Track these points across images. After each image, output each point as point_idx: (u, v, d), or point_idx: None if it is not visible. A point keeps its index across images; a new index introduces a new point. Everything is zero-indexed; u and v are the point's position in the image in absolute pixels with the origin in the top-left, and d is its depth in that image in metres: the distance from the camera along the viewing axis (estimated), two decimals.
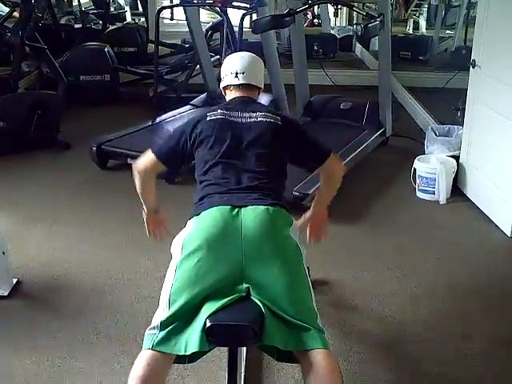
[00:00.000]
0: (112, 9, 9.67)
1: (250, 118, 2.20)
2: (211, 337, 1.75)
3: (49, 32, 7.05)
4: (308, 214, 2.40)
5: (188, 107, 5.65)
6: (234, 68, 2.34)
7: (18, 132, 4.87)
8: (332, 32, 9.25)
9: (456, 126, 4.56)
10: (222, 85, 2.40)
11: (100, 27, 8.39)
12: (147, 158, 2.24)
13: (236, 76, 2.32)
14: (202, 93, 5.85)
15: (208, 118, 2.20)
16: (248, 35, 5.39)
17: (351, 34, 9.25)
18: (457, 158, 4.15)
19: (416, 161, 4.16)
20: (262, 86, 2.41)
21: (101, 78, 6.41)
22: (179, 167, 2.50)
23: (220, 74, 2.43)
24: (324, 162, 2.21)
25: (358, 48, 8.90)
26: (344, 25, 10.06)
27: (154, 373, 1.74)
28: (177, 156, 2.23)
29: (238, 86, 2.33)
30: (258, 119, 2.20)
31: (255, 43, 5.47)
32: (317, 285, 2.60)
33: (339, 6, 9.07)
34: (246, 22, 5.36)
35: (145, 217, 2.46)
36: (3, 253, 2.88)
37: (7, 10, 7.75)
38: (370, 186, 4.29)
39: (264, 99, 4.90)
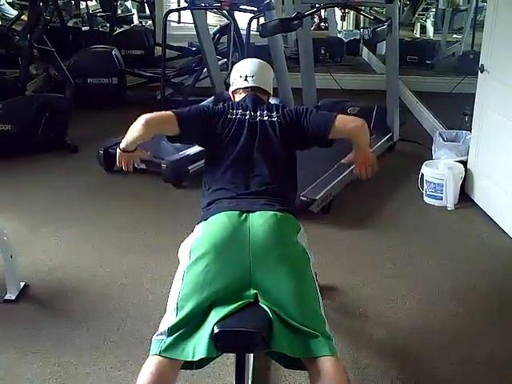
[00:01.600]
0: (119, 11, 9.68)
1: (260, 118, 2.21)
2: (219, 343, 1.75)
3: (57, 35, 7.06)
4: (350, 155, 2.38)
5: None
6: (243, 72, 2.35)
7: (26, 135, 4.88)
8: (339, 36, 9.24)
9: (464, 131, 4.54)
10: (230, 90, 2.41)
11: (107, 30, 8.41)
12: (163, 113, 2.20)
13: (245, 79, 2.33)
14: (209, 96, 5.85)
15: (229, 116, 2.22)
16: (255, 39, 5.39)
17: (358, 37, 9.24)
18: (465, 163, 4.12)
19: (423, 166, 4.14)
20: (271, 93, 2.41)
21: (108, 81, 6.42)
22: (189, 137, 2.31)
23: (227, 77, 2.44)
24: (332, 126, 2.18)
25: (365, 52, 8.88)
26: (351, 28, 10.04)
27: (161, 378, 1.73)
28: (195, 123, 2.20)
29: (247, 89, 2.34)
30: (264, 118, 2.22)
31: (262, 47, 5.47)
32: (324, 291, 2.59)
33: (346, 10, 9.05)
34: (254, 26, 5.36)
35: (118, 151, 2.27)
36: (11, 256, 2.88)
37: (16, 13, 7.80)
38: (377, 191, 4.27)
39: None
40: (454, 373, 2.43)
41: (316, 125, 2.22)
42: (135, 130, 2.16)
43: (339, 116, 2.22)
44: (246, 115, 2.22)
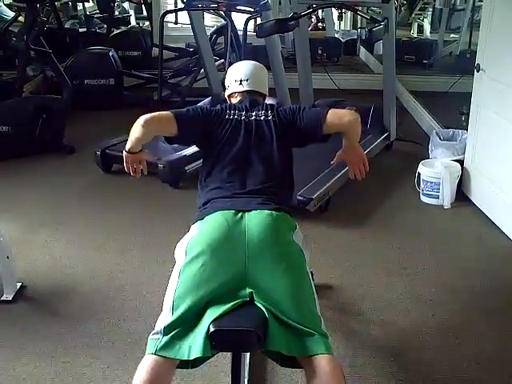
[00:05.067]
0: (116, 13, 9.67)
1: (256, 117, 2.23)
2: (215, 342, 1.75)
3: (54, 36, 7.06)
4: (340, 152, 2.35)
5: None
6: (238, 76, 2.36)
7: (23, 136, 4.87)
8: (336, 36, 9.25)
9: (460, 131, 4.55)
10: (226, 93, 2.42)
11: (105, 31, 8.41)
12: (162, 113, 2.20)
13: (240, 83, 2.34)
14: (207, 97, 5.85)
15: (226, 117, 2.23)
16: (252, 39, 5.40)
17: (355, 37, 9.24)
18: (461, 162, 4.13)
19: (420, 165, 4.15)
20: (267, 94, 2.43)
21: (105, 82, 6.42)
22: (187, 138, 2.31)
23: (224, 78, 2.44)
24: (324, 121, 2.18)
25: (363, 52, 8.89)
26: (348, 28, 10.05)
27: (157, 377, 1.73)
28: (193, 124, 2.20)
29: (243, 93, 2.35)
30: (260, 117, 2.23)
31: (259, 47, 5.47)
32: (321, 289, 2.60)
33: (343, 10, 9.04)
34: (251, 26, 5.36)
35: (125, 154, 2.28)
36: (7, 257, 2.88)
37: (13, 14, 7.79)
38: (373, 191, 4.28)
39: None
40: (451, 372, 2.43)
41: (309, 121, 2.23)
42: (135, 130, 2.18)
43: (332, 110, 2.22)
44: (242, 115, 2.24)
